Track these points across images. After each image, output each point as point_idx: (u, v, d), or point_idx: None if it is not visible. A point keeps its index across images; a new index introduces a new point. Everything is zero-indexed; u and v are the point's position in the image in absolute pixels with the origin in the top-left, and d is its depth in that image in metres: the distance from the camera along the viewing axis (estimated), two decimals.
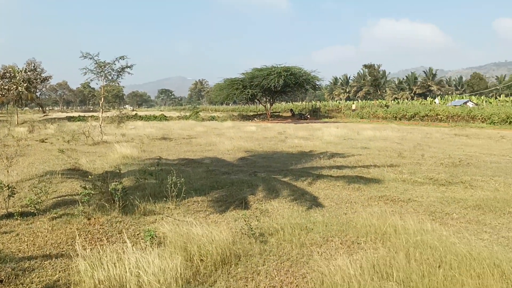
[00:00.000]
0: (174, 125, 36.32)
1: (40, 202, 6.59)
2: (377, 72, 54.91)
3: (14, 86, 40.38)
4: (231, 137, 22.24)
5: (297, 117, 53.61)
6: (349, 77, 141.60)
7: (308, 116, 53.05)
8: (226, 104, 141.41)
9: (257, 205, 7.40)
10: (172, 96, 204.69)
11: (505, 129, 30.66)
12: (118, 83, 20.31)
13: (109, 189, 6.37)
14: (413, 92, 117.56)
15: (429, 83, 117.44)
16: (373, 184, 9.28)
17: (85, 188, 6.43)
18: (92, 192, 6.29)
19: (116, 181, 7.80)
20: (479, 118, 36.11)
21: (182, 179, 7.35)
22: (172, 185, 7.21)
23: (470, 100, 61.69)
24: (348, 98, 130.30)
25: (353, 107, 59.26)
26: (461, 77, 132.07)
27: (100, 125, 20.33)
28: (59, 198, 7.64)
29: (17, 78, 40.82)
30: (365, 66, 55.59)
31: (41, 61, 43.81)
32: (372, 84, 56.14)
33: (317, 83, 54.23)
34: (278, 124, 41.10)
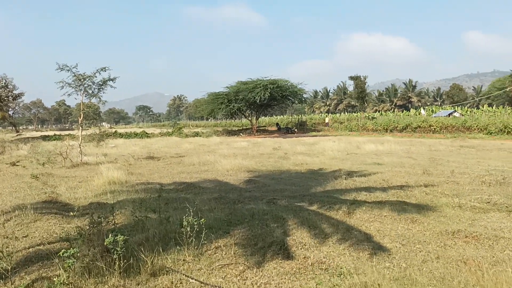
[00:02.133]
0: (158, 143, 34.19)
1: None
2: (363, 83, 53.84)
3: None
4: (225, 154, 20.37)
5: (284, 131, 51.95)
6: (329, 90, 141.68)
7: (295, 130, 51.48)
8: (206, 119, 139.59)
9: (302, 251, 5.52)
10: (150, 113, 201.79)
11: (505, 139, 29.58)
12: (100, 98, 18.21)
13: (105, 243, 4.40)
14: (394, 103, 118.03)
15: (409, 94, 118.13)
16: (426, 212, 7.52)
17: (67, 240, 4.48)
18: (79, 250, 4.33)
19: (107, 220, 5.87)
20: (474, 129, 35.05)
21: (202, 219, 5.43)
22: (188, 228, 5.31)
23: (455, 111, 61.27)
24: (328, 111, 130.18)
25: (326, 120, 58.18)
26: (439, 88, 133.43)
27: (80, 145, 18.17)
28: (30, 250, 5.61)
29: None
30: (351, 77, 54.49)
31: (12, 77, 41.29)
32: (358, 96, 55.06)
33: (304, 96, 52.88)
34: (267, 138, 39.34)
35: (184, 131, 49.31)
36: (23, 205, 8.22)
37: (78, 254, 4.22)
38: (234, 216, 7.54)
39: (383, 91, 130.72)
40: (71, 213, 6.81)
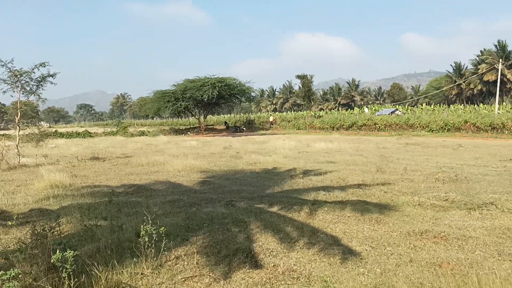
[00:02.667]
0: (102, 142, 32.77)
1: None
2: (310, 82, 54.46)
3: None
4: (174, 154, 19.75)
5: (232, 129, 51.58)
6: (275, 89, 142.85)
7: (244, 128, 51.23)
8: (151, 118, 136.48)
9: (271, 258, 5.17)
10: (93, 111, 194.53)
11: (446, 136, 30.83)
12: (39, 95, 16.95)
13: (52, 260, 3.82)
14: (338, 102, 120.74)
15: (352, 93, 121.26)
16: (388, 211, 7.40)
17: (5, 257, 3.87)
18: (20, 269, 3.73)
19: (52, 230, 5.25)
20: (417, 126, 36.33)
21: (162, 228, 4.94)
22: (147, 238, 4.81)
23: (397, 109, 63.46)
24: (275, 110, 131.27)
25: (271, 119, 58.84)
26: (380, 88, 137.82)
27: (17, 146, 16.87)
28: None
29: None
30: (298, 76, 54.86)
31: None
32: (305, 95, 55.66)
33: (252, 94, 52.78)
34: (216, 137, 38.79)
35: (130, 130, 47.71)
36: None
37: (20, 276, 3.62)
38: (192, 220, 7.08)
39: (327, 90, 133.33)
40: (9, 223, 6.12)
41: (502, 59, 76.21)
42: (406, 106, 76.56)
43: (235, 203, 8.47)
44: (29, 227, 6.67)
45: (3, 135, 35.64)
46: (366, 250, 5.44)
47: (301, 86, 58.93)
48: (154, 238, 4.82)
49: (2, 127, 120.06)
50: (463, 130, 32.83)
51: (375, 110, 70.73)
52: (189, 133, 49.47)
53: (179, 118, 72.32)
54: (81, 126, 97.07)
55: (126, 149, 24.73)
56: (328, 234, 6.18)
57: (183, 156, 18.29)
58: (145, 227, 4.81)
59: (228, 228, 6.58)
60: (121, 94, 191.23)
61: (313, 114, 59.05)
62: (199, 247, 5.64)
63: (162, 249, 4.91)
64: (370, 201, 8.31)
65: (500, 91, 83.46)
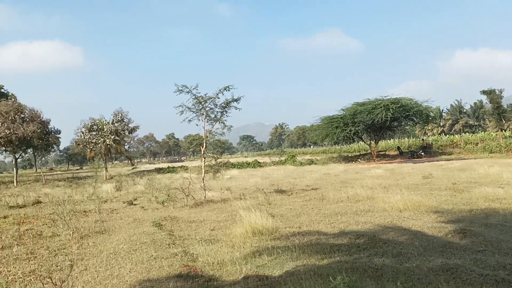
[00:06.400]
0: (275, 172, 31.17)
1: None
2: (499, 98, 46.61)
3: (102, 139, 38.01)
4: (369, 186, 16.51)
5: (408, 155, 46.23)
6: (442, 110, 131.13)
7: (422, 153, 45.47)
8: (308, 146, 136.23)
9: None
10: (254, 142, 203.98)
11: None
12: (223, 122, 15.47)
13: None
14: None
15: None
16: None
17: None
18: None
19: None
20: None
21: None
22: None
23: None
24: (442, 132, 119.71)
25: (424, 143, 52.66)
26: None
27: (203, 179, 15.49)
28: None
29: (105, 130, 38.52)
30: (483, 92, 47.30)
31: (128, 111, 41.65)
32: (493, 112, 47.84)
33: (431, 114, 47.19)
34: (395, 164, 34.42)
35: (298, 159, 46.08)
36: (149, 282, 5.16)
37: None
38: None
39: (507, 108, 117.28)
40: None
41: None
42: None
43: None
44: None
45: (181, 167, 36.42)
46: None
47: (472, 105, 51.07)
48: None
49: (177, 159, 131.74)
50: None
51: None
52: (359, 160, 45.81)
53: (344, 145, 69.17)
54: (245, 156, 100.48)
55: (306, 180, 22.33)
56: None
57: (383, 189, 15.01)
58: None
59: None
60: (279, 124, 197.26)
61: (505, 134, 50.53)
62: None
63: None
64: None
65: None
